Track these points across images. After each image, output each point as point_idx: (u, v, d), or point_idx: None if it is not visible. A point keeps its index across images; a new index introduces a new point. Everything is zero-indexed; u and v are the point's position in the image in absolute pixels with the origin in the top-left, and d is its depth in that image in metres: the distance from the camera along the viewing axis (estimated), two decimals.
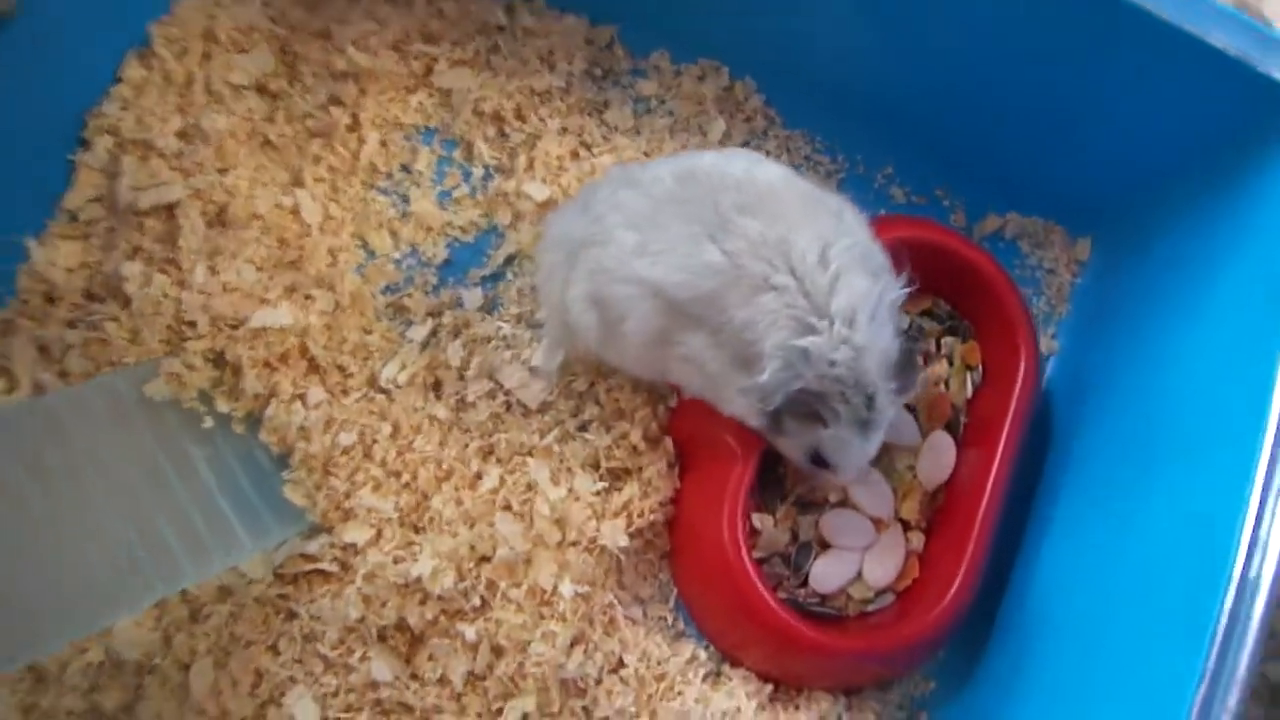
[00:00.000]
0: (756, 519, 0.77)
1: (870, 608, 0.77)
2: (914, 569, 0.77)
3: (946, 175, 0.86)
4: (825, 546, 0.77)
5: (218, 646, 0.72)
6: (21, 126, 0.76)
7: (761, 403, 0.64)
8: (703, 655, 0.75)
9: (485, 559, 0.72)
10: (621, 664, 0.73)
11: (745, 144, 0.85)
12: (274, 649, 0.72)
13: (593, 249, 0.68)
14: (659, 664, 0.74)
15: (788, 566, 0.76)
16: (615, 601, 0.74)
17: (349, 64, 0.83)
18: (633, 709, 0.71)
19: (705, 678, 0.74)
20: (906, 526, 0.78)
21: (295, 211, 0.80)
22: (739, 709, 0.72)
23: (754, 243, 0.62)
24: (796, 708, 0.75)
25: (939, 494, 0.78)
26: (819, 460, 0.68)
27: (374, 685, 0.71)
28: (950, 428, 0.79)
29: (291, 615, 0.73)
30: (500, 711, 0.71)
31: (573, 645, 0.72)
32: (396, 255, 0.82)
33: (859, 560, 0.77)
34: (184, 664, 0.71)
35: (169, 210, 0.79)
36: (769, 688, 0.75)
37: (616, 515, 0.75)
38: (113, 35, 0.80)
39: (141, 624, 0.72)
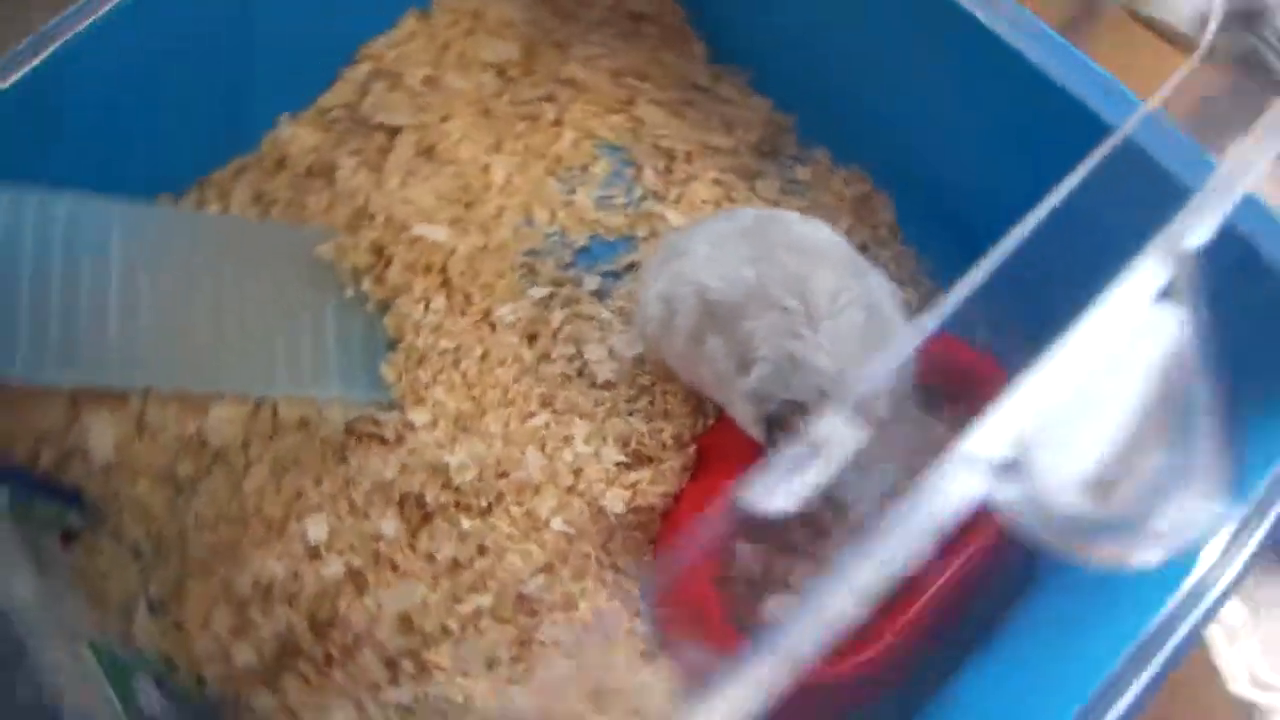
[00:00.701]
0: (741, 545, 0.85)
1: None
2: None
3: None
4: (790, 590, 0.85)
5: (278, 460, 0.86)
6: (314, 41, 0.97)
7: (755, 406, 0.74)
8: (647, 633, 0.84)
9: (504, 474, 0.85)
10: (574, 606, 0.83)
11: (863, 246, 0.96)
12: (318, 480, 0.86)
13: (678, 258, 0.81)
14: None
15: (751, 595, 0.84)
16: (592, 555, 0.84)
17: (572, 74, 1.01)
18: (567, 643, 0.81)
19: (642, 653, 0.83)
20: None
21: (486, 169, 0.98)
22: (655, 687, 0.80)
23: (784, 273, 0.74)
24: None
25: None
26: None
27: (378, 537, 0.84)
28: None
29: (343, 459, 0.86)
30: (462, 599, 0.82)
31: (541, 570, 0.82)
32: (547, 230, 0.97)
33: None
34: (248, 463, 0.86)
35: (393, 131, 0.98)
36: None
37: (624, 488, 0.85)
38: None
39: (233, 421, 0.88)
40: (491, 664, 0.81)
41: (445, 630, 0.81)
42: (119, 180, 0.85)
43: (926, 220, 0.97)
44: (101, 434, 0.86)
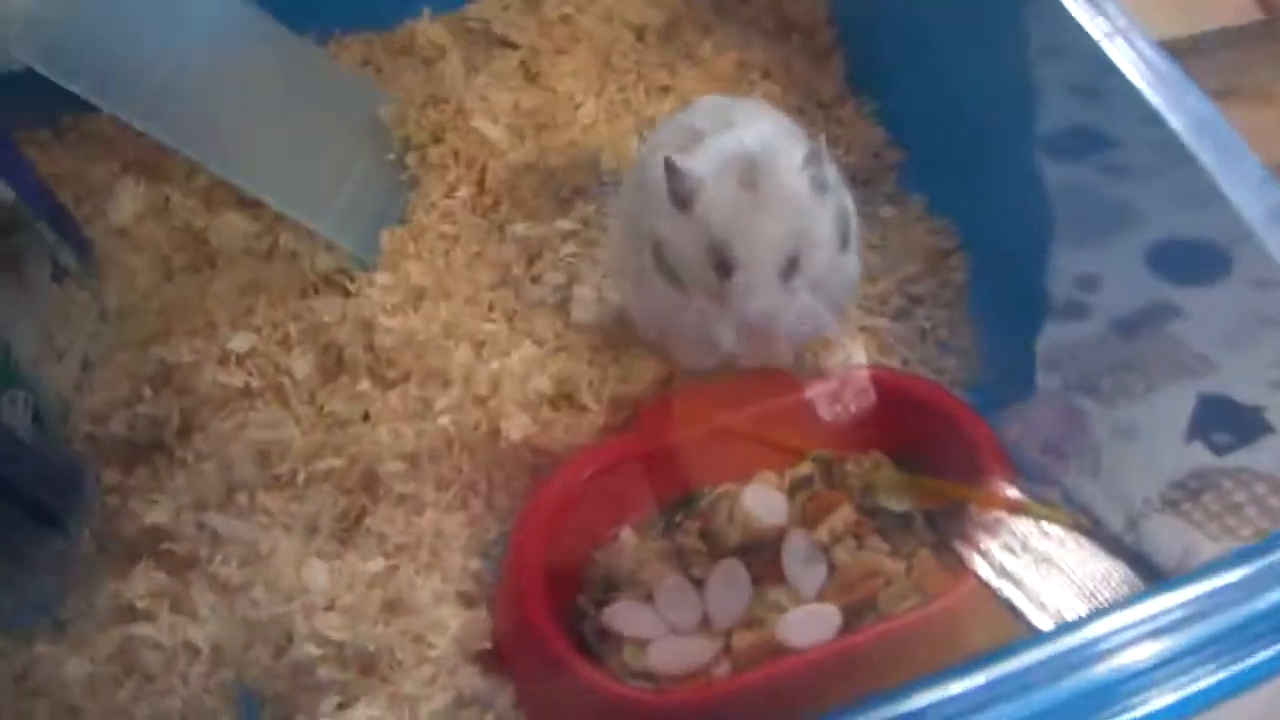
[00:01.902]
0: (627, 530, 0.75)
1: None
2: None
3: None
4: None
5: (254, 276, 0.86)
6: None
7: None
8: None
9: (422, 356, 0.80)
10: (419, 511, 0.75)
11: (920, 299, 0.86)
12: (273, 305, 0.85)
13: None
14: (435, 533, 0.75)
15: (599, 589, 0.73)
16: (463, 471, 0.77)
17: (702, 54, 0.99)
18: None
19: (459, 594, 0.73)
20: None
21: (576, 106, 0.96)
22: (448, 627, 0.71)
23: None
24: None
25: None
26: (721, 265, 0.68)
27: (288, 371, 0.81)
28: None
29: (304, 296, 0.86)
30: (320, 455, 0.77)
31: (405, 459, 0.75)
32: (605, 176, 0.93)
33: (652, 626, 0.71)
34: (230, 266, 0.88)
35: (512, 48, 0.99)
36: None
37: (534, 419, 0.78)
38: None
39: (237, 231, 0.90)
40: (311, 529, 0.75)
41: (291, 479, 0.77)
42: None
43: (999, 293, 0.84)
44: (125, 201, 0.91)
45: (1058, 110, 0.80)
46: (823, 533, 0.72)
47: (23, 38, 0.76)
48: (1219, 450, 0.65)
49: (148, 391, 0.80)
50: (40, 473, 0.76)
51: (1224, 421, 0.66)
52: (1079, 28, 0.74)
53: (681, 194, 0.68)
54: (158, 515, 0.76)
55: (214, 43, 0.86)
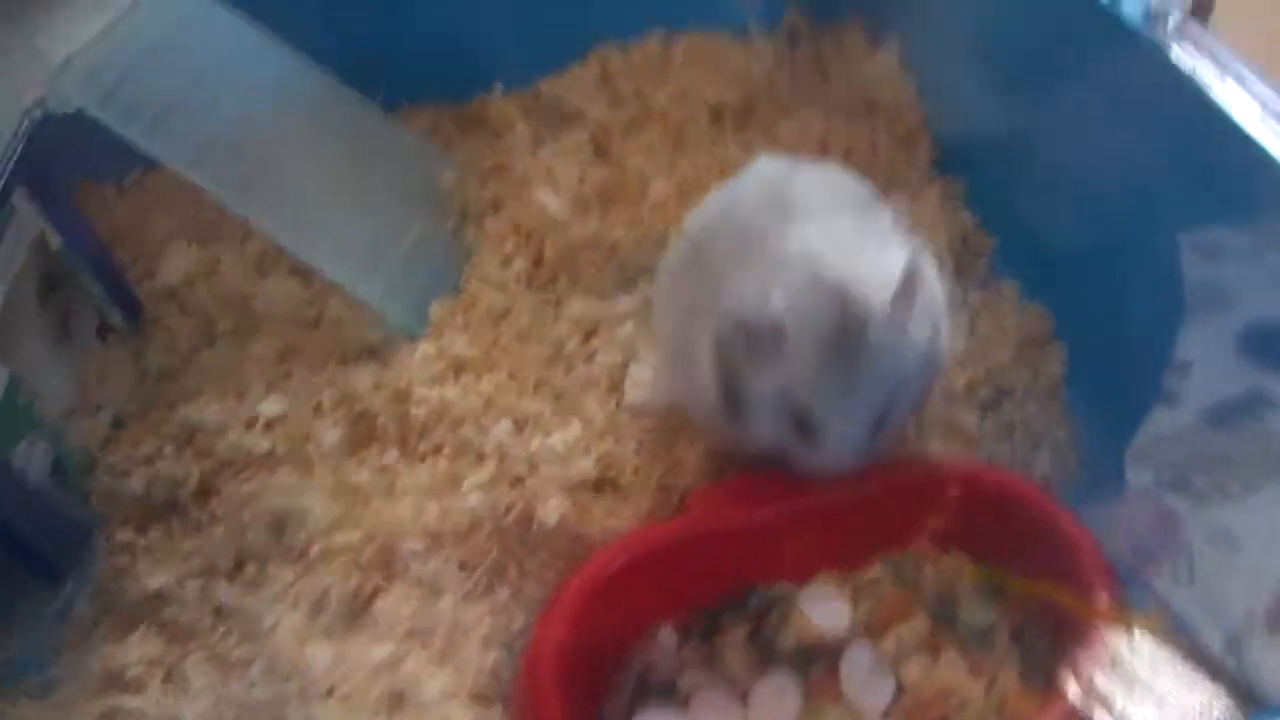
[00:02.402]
0: (667, 629, 0.66)
1: None
2: None
3: None
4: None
5: (295, 343, 0.83)
6: (556, 30, 0.99)
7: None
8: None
9: (457, 428, 0.74)
10: (437, 595, 0.68)
11: (1012, 390, 0.78)
12: (312, 372, 0.80)
13: None
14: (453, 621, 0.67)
15: (629, 694, 0.64)
16: (492, 555, 0.69)
17: (779, 132, 0.94)
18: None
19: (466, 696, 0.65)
20: None
21: (645, 182, 0.91)
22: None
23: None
24: None
25: None
26: (801, 424, 0.61)
27: (316, 440, 0.76)
28: None
29: (344, 364, 0.81)
30: (339, 528, 0.71)
31: (428, 537, 0.69)
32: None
33: None
34: (273, 332, 0.84)
35: (584, 121, 0.96)
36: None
37: (573, 503, 0.70)
38: None
39: (285, 298, 0.86)
40: (318, 607, 0.69)
41: (305, 551, 0.71)
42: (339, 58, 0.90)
43: (1097, 386, 0.76)
44: (176, 263, 0.89)
45: (1156, 191, 0.73)
46: (890, 644, 0.63)
47: (84, 84, 0.76)
48: None
49: (169, 450, 0.76)
50: (46, 525, 0.72)
51: None
52: (1177, 110, 0.69)
53: (758, 346, 0.61)
54: (162, 579, 0.71)
55: (275, 99, 0.85)
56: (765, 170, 0.72)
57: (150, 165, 0.95)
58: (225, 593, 0.70)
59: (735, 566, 0.67)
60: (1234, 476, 0.64)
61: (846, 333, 0.59)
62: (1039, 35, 0.81)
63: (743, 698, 0.63)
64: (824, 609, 0.66)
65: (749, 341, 0.61)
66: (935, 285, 0.66)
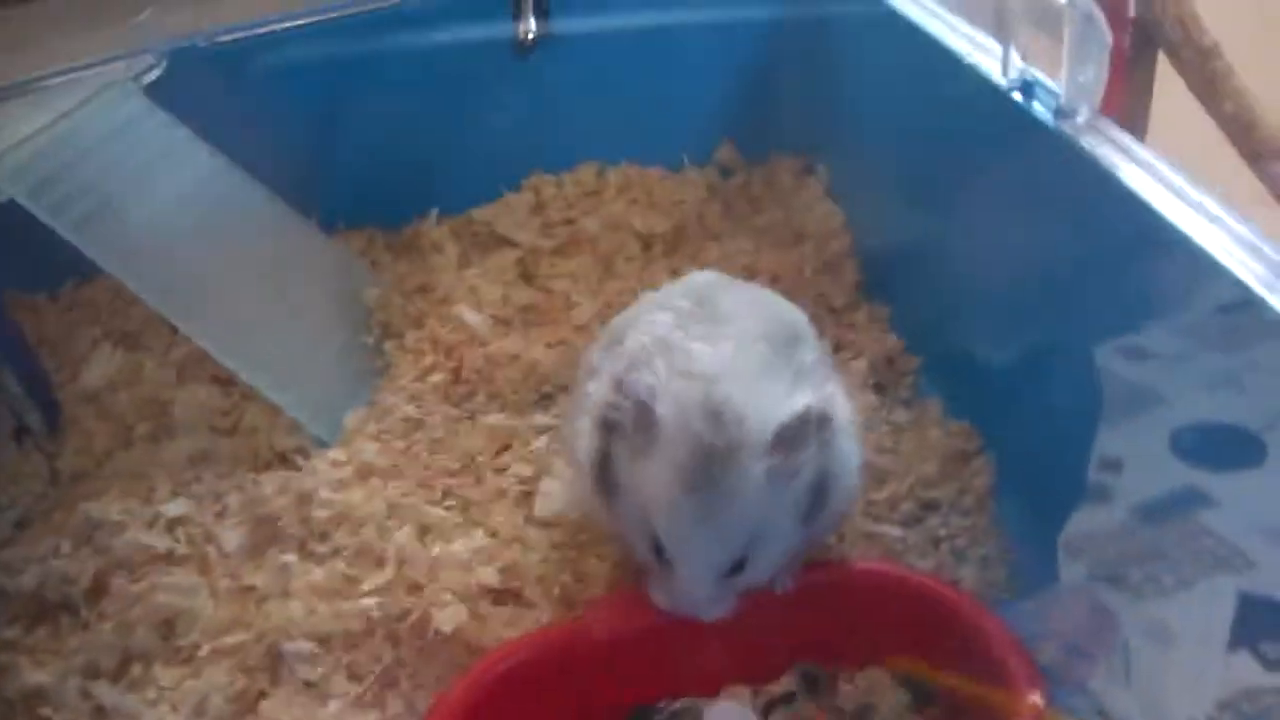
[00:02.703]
0: None
1: None
2: None
3: None
4: None
5: (208, 449, 0.83)
6: (488, 162, 1.04)
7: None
8: None
9: (358, 531, 0.73)
10: (323, 703, 0.66)
11: (936, 504, 0.78)
12: (221, 476, 0.80)
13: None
14: None
15: None
16: (384, 661, 0.67)
17: (708, 259, 0.96)
18: None
19: None
20: None
21: (571, 306, 0.93)
22: None
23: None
24: None
25: None
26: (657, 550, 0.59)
27: (218, 543, 0.75)
28: None
29: (255, 470, 0.81)
30: (229, 630, 0.69)
31: (317, 641, 0.68)
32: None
33: None
34: (188, 437, 0.84)
35: (512, 245, 0.99)
36: None
37: (471, 613, 0.69)
38: None
39: (202, 406, 0.86)
40: (199, 711, 0.66)
41: (193, 654, 0.69)
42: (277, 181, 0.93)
43: (1026, 498, 0.76)
44: (98, 367, 0.90)
45: (1076, 294, 0.74)
46: None
47: (16, 175, 0.77)
48: (1270, 665, 0.54)
49: (65, 547, 0.75)
50: None
51: (1273, 629, 0.55)
52: (1093, 204, 0.70)
53: (640, 428, 0.59)
54: (42, 677, 0.68)
55: (209, 205, 0.87)
56: (702, 280, 0.72)
57: (83, 277, 0.98)
58: (106, 693, 0.67)
59: (637, 676, 0.65)
60: (1168, 570, 0.62)
61: (710, 466, 0.56)
62: (956, 144, 0.83)
63: None
64: None
65: (627, 416, 0.59)
66: (844, 429, 0.63)
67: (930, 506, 0.78)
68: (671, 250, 1.00)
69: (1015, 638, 0.62)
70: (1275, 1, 1.30)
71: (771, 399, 0.58)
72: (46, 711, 0.67)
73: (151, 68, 0.90)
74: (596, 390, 0.65)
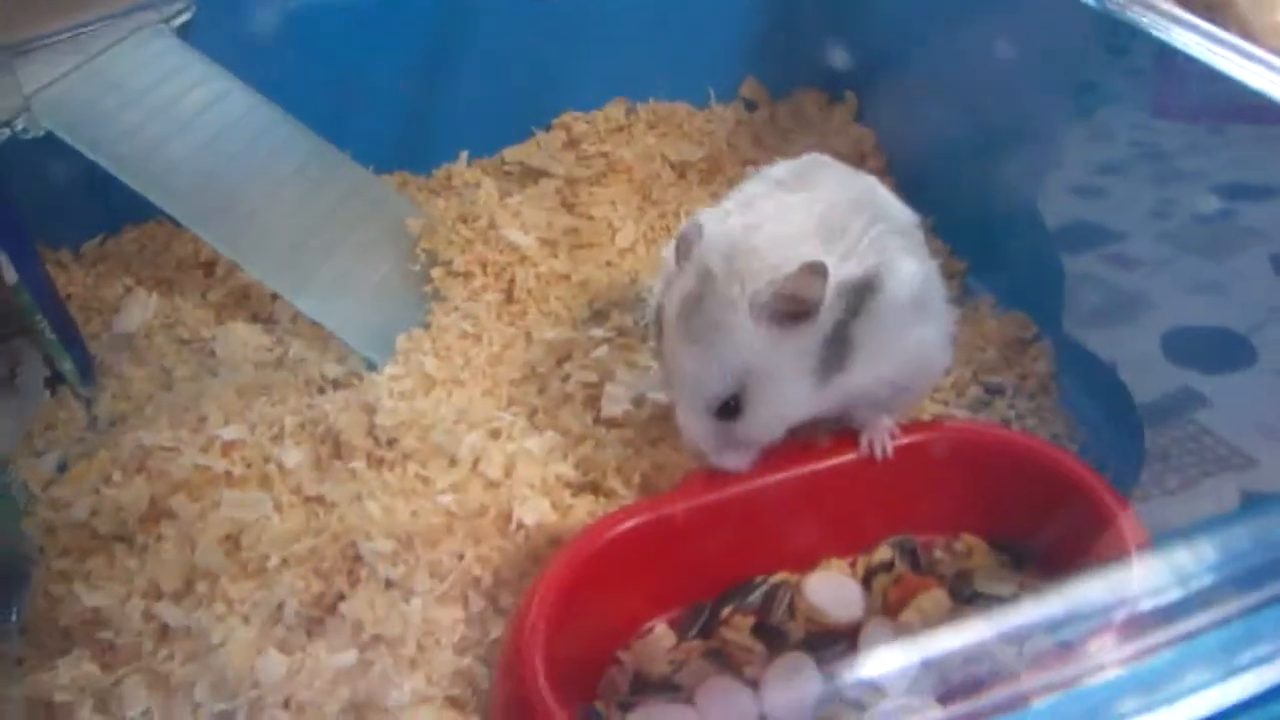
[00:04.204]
0: (663, 624, 0.61)
1: None
2: None
3: None
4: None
5: (255, 383, 0.79)
6: (518, 104, 1.03)
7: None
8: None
9: (427, 435, 0.70)
10: (406, 599, 0.62)
11: (1001, 389, 0.75)
12: (280, 401, 0.76)
13: None
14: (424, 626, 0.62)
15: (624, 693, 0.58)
16: (467, 558, 0.64)
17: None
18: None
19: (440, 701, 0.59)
20: None
21: (613, 231, 0.92)
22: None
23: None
24: None
25: None
26: None
27: (278, 462, 0.71)
28: None
29: (308, 395, 0.78)
30: (299, 538, 0.65)
31: (395, 539, 0.64)
32: (644, 294, 0.86)
33: None
34: (233, 375, 0.80)
35: (549, 178, 0.97)
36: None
37: (553, 504, 0.66)
38: None
39: (244, 343, 0.83)
40: (274, 618, 0.63)
41: (262, 566, 0.65)
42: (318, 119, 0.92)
43: (1087, 380, 0.74)
44: (135, 312, 0.87)
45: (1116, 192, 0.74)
46: (912, 617, 0.58)
47: (52, 110, 0.76)
48: None
49: (117, 475, 0.71)
50: None
51: None
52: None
53: (679, 257, 0.60)
54: (100, 600, 0.64)
55: (244, 137, 0.85)
56: (809, 159, 0.70)
57: (109, 232, 0.95)
58: (170, 612, 0.63)
59: (732, 556, 0.62)
60: None
61: (704, 297, 0.57)
62: (990, 43, 0.82)
63: (753, 687, 0.57)
64: (834, 596, 0.61)
65: (676, 250, 0.59)
66: (898, 301, 0.60)
67: (995, 391, 0.77)
68: (708, 178, 0.98)
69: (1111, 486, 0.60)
70: None
71: (796, 252, 0.57)
72: (107, 635, 0.63)
73: (181, 11, 0.89)
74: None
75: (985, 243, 0.85)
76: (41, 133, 0.75)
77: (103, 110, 0.78)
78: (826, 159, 0.70)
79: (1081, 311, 0.76)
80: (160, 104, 0.81)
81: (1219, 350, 0.66)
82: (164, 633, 0.63)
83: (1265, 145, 0.63)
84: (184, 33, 0.89)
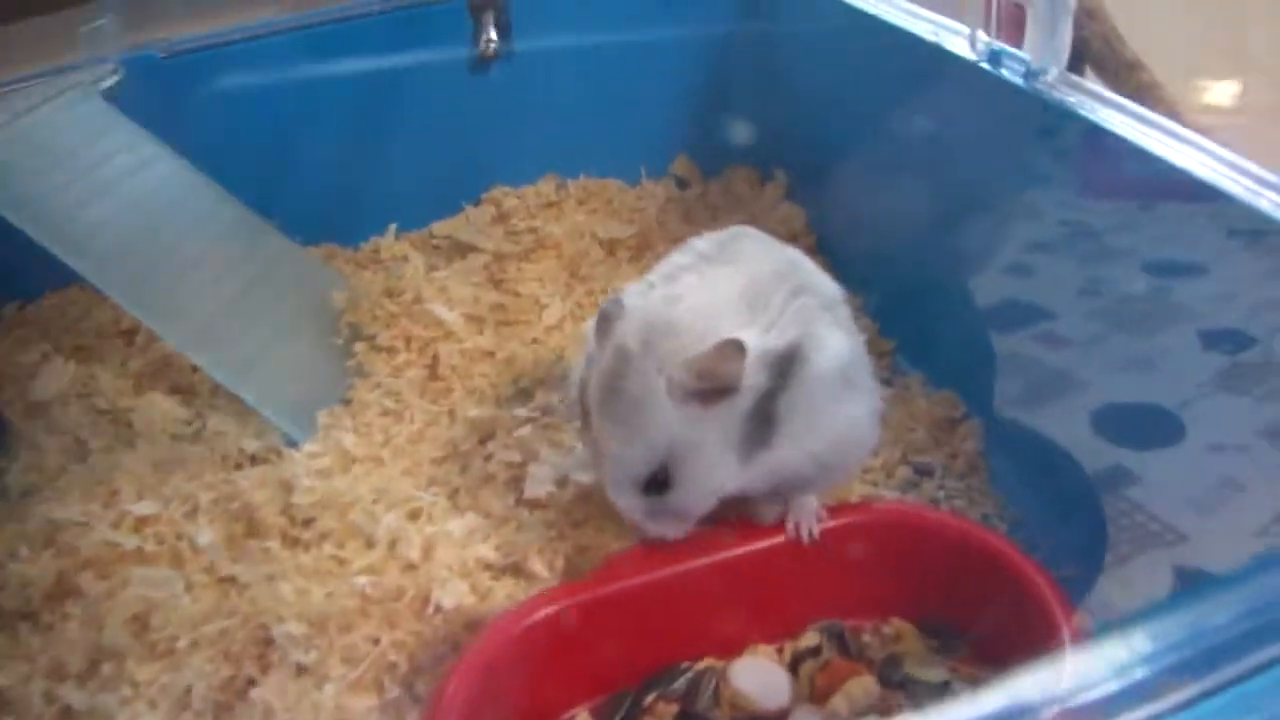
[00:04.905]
0: (584, 712, 0.61)
1: None
2: None
3: None
4: None
5: (175, 454, 0.77)
6: (449, 178, 1.04)
7: None
8: None
9: (346, 513, 0.70)
10: (318, 686, 0.61)
11: (930, 471, 0.77)
12: (196, 476, 0.75)
13: None
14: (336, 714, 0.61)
15: None
16: (383, 644, 0.63)
17: None
18: None
19: None
20: None
21: (541, 308, 0.92)
22: None
23: None
24: None
25: None
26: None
27: (190, 539, 0.70)
28: None
29: (224, 471, 0.77)
30: (209, 619, 0.64)
31: (308, 623, 0.63)
32: (572, 373, 0.87)
33: None
34: (150, 447, 0.79)
35: (477, 252, 0.98)
36: None
37: (472, 589, 0.66)
38: None
39: (164, 415, 0.82)
40: (182, 704, 0.61)
41: (171, 648, 0.64)
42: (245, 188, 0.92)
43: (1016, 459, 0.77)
44: (50, 380, 0.85)
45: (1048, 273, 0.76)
46: (841, 703, 0.58)
47: None
48: None
49: (24, 550, 0.69)
50: None
51: None
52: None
53: (598, 335, 0.61)
54: (1, 680, 0.62)
55: (169, 205, 0.85)
56: (736, 230, 0.71)
57: (27, 297, 0.93)
58: (73, 695, 0.62)
59: (656, 640, 0.63)
60: None
61: (624, 375, 0.57)
62: (923, 126, 0.85)
63: None
64: (761, 682, 0.62)
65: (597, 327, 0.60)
66: (827, 376, 0.62)
67: (924, 471, 0.78)
68: (637, 255, 1.00)
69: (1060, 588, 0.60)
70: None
71: (715, 325, 0.58)
72: (8, 717, 0.62)
73: (109, 74, 0.88)
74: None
75: (914, 321, 0.88)
76: None
77: (25, 171, 0.78)
78: (751, 230, 0.71)
79: (1011, 390, 0.79)
80: (84, 167, 0.80)
81: (1149, 426, 0.68)
82: (66, 714, 0.62)
83: (1192, 222, 0.66)
84: (111, 95, 0.89)
